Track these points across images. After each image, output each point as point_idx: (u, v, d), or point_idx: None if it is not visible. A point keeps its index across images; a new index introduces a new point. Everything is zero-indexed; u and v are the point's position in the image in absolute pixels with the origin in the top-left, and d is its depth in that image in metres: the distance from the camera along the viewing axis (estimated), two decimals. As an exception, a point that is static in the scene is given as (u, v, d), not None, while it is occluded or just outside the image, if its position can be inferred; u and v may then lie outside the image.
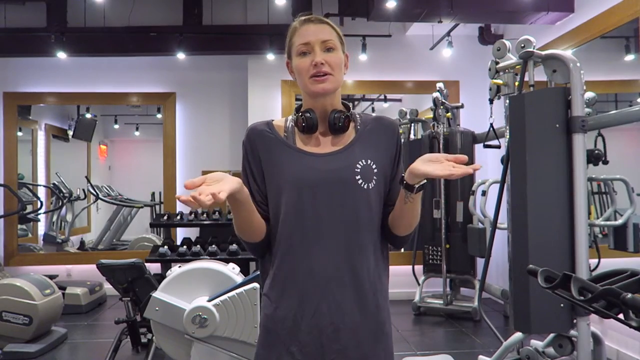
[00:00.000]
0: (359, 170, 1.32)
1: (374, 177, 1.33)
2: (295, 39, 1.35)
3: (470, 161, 5.07)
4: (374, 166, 1.34)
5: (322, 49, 1.32)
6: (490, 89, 3.24)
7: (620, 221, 2.94)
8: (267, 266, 1.38)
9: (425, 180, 1.24)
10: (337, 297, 1.29)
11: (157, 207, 7.45)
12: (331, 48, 1.33)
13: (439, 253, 5.07)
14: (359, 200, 1.31)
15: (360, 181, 1.31)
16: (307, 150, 1.35)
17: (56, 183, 6.90)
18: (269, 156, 1.34)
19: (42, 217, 6.74)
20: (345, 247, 1.30)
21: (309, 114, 1.35)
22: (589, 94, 3.12)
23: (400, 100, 6.87)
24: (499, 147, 3.68)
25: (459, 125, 5.29)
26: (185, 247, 4.73)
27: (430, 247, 5.16)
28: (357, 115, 1.42)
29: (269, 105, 5.73)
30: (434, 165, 1.20)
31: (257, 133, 1.37)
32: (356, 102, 7.07)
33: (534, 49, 2.85)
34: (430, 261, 5.17)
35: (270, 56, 5.46)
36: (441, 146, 5.00)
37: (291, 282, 1.31)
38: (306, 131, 1.35)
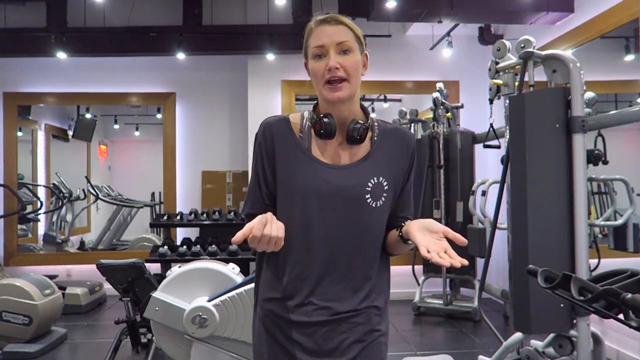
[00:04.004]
0: (369, 189, 1.31)
1: (384, 195, 1.33)
2: (311, 40, 1.31)
3: (470, 161, 5.10)
4: (384, 183, 1.33)
5: (337, 52, 1.28)
6: (490, 89, 3.24)
7: (620, 221, 2.94)
8: (266, 266, 1.39)
9: None
10: (336, 305, 1.32)
11: (157, 207, 7.46)
12: (347, 50, 1.29)
13: (439, 253, 5.06)
14: (365, 218, 1.32)
15: (369, 200, 1.31)
16: (321, 161, 1.33)
17: (56, 183, 6.90)
18: (284, 159, 1.33)
19: (42, 217, 6.74)
20: (348, 261, 1.32)
21: (327, 120, 1.31)
22: (589, 94, 3.12)
23: (400, 100, 6.88)
24: (499, 147, 3.68)
25: (459, 125, 5.29)
26: (185, 247, 4.73)
27: (430, 247, 5.15)
28: (375, 124, 1.38)
29: (269, 105, 5.73)
30: (428, 238, 1.19)
31: (275, 131, 1.34)
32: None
33: (534, 49, 2.85)
34: (430, 261, 5.16)
35: (270, 56, 5.46)
36: (441, 146, 5.00)
37: (292, 287, 1.33)
38: (323, 137, 1.32)
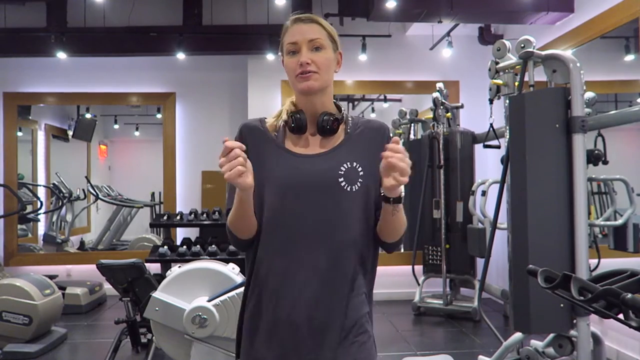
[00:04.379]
0: (342, 172, 1.33)
1: (359, 180, 1.33)
2: (286, 37, 1.37)
3: (470, 161, 5.10)
4: (359, 169, 1.34)
5: (309, 49, 1.33)
6: (490, 89, 3.24)
7: (620, 221, 2.94)
8: (249, 263, 1.40)
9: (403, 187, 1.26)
10: (315, 295, 1.30)
11: (157, 207, 7.45)
12: (319, 47, 1.34)
13: (439, 253, 5.07)
14: (340, 203, 1.32)
15: (343, 183, 1.32)
16: (293, 151, 1.37)
17: (56, 183, 6.90)
18: (257, 153, 1.36)
19: (42, 217, 6.74)
20: (326, 248, 1.31)
21: (298, 115, 1.37)
22: (589, 94, 3.12)
23: (400, 100, 6.87)
24: (499, 147, 3.68)
25: (459, 125, 5.29)
26: (185, 247, 4.73)
27: (430, 247, 5.16)
28: (349, 118, 1.43)
29: (269, 106, 5.73)
30: (391, 171, 1.20)
31: (249, 129, 1.40)
32: (356, 103, 7.07)
33: (534, 49, 2.85)
34: (430, 261, 5.17)
35: (270, 56, 5.46)
36: (441, 146, 5.00)
37: (271, 281, 1.33)
38: (295, 132, 1.37)
